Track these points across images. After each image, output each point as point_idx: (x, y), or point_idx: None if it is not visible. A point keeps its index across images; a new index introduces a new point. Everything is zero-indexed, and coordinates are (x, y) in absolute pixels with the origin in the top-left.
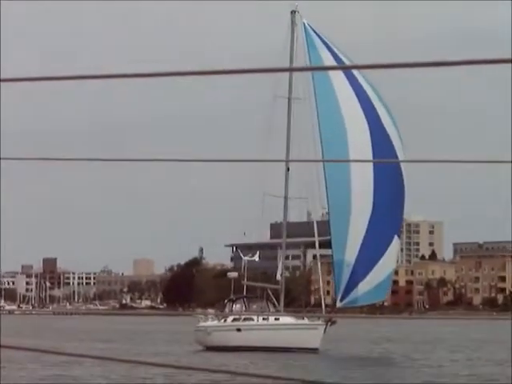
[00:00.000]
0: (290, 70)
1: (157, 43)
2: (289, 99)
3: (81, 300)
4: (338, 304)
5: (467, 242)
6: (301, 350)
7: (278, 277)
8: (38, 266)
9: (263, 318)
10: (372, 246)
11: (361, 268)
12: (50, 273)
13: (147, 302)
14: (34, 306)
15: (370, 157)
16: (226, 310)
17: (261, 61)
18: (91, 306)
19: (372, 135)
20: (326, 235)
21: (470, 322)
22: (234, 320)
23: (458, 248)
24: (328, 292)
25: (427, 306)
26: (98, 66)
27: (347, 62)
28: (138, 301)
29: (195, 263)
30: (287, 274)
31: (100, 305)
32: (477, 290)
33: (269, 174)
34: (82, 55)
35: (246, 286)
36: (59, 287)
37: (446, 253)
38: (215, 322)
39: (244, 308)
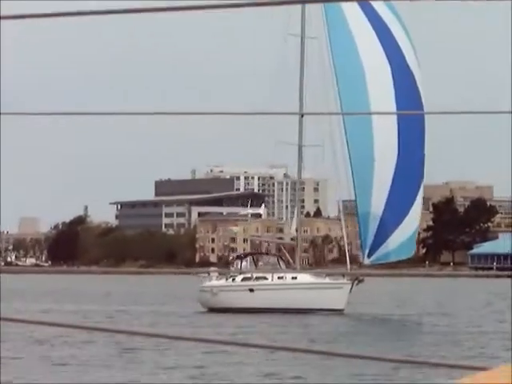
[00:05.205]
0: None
1: None
2: (302, 38)
3: None
4: (366, 261)
5: (353, 200)
6: (323, 312)
7: (293, 231)
8: None
9: (278, 277)
10: (401, 196)
11: (390, 220)
12: None
13: (32, 260)
14: None
15: (393, 103)
16: (233, 268)
17: None
18: None
19: (394, 79)
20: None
21: None
22: (245, 279)
23: (344, 205)
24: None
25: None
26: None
27: None
28: (23, 259)
29: (80, 221)
30: (171, 231)
31: None
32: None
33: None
34: None
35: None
36: None
37: (331, 210)
38: (222, 282)
39: (253, 266)
